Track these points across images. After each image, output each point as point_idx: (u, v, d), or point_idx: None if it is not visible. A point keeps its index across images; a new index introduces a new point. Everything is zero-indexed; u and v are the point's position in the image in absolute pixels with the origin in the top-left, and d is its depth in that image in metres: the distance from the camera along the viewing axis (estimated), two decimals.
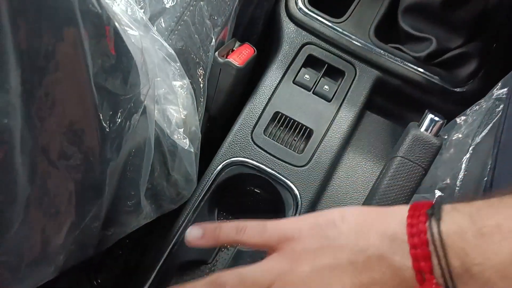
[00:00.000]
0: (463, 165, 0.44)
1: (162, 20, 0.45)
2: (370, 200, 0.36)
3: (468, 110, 0.47)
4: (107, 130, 0.29)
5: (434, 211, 0.26)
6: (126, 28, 0.33)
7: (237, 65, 0.47)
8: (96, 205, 0.33)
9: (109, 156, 0.31)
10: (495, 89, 0.46)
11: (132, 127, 0.36)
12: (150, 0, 0.48)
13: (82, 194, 0.30)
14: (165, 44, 0.45)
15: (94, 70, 0.25)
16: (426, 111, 0.36)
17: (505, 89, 0.45)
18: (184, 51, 0.46)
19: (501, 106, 0.45)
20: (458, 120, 0.48)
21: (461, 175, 0.43)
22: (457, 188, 0.43)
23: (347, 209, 0.31)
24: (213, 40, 0.47)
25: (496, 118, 0.44)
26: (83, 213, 0.32)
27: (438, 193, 0.44)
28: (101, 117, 0.28)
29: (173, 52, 0.45)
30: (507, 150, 0.37)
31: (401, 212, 0.28)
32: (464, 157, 0.44)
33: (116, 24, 0.30)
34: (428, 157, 0.34)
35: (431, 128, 0.35)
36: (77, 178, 0.28)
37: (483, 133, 0.44)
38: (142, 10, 0.50)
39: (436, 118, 0.35)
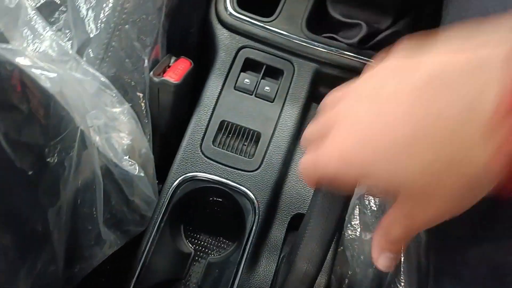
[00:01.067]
0: None
1: (90, 50, 0.45)
2: (315, 196, 0.37)
3: None
4: (35, 181, 0.29)
5: None
6: (42, 72, 0.33)
7: (174, 82, 0.47)
8: (45, 252, 0.33)
9: (46, 203, 0.31)
10: None
11: (69, 168, 0.36)
12: (75, 31, 0.47)
13: (23, 247, 0.30)
14: (97, 73, 0.44)
15: (3, 128, 0.25)
16: None
17: None
18: (118, 77, 0.45)
19: None
20: None
21: None
22: None
23: None
24: (146, 61, 0.47)
25: None
26: (32, 263, 0.32)
27: None
28: (26, 171, 0.28)
29: (106, 80, 0.45)
30: None
31: None
32: None
33: (28, 71, 0.30)
34: None
35: None
36: (12, 235, 0.28)
37: None
38: (70, 42, 0.49)
39: None
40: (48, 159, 0.31)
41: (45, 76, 0.33)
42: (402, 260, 0.41)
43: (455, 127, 0.22)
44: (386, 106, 0.25)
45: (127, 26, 0.45)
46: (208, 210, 0.52)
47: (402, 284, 0.41)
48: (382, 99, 0.25)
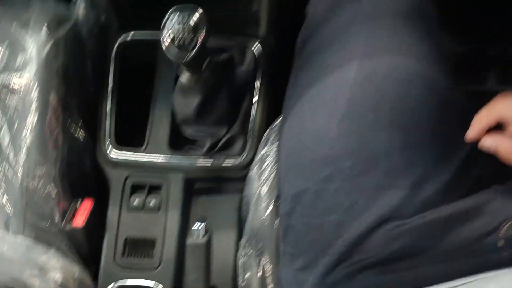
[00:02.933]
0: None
1: (10, 225, 0.62)
2: None
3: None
4: None
5: None
6: None
7: (79, 227, 0.65)
8: None
9: None
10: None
11: None
12: None
13: None
14: (22, 239, 0.62)
15: None
16: (195, 220, 0.56)
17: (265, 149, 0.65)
18: (40, 236, 0.63)
19: (266, 163, 0.67)
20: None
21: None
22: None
23: None
24: (56, 216, 0.64)
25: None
26: None
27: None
28: None
29: (31, 242, 0.62)
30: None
31: None
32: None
33: None
34: (204, 253, 0.55)
35: (199, 233, 0.55)
36: None
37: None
38: None
39: (197, 226, 0.55)
40: None
41: None
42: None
43: None
44: None
45: (34, 199, 0.62)
46: None
47: None
48: None
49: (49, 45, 0.60)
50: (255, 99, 0.74)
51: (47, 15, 0.63)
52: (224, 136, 0.71)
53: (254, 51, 0.76)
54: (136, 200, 0.70)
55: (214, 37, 0.73)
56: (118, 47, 0.75)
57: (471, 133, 0.42)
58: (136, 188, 0.71)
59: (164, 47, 0.53)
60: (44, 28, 0.61)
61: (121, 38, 0.75)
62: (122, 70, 0.75)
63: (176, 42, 0.52)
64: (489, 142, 0.41)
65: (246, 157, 0.72)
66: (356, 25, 0.48)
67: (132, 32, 0.75)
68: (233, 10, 0.78)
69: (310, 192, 0.44)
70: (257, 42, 0.76)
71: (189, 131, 0.72)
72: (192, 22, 0.52)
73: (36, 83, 0.59)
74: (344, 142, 0.42)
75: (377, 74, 0.43)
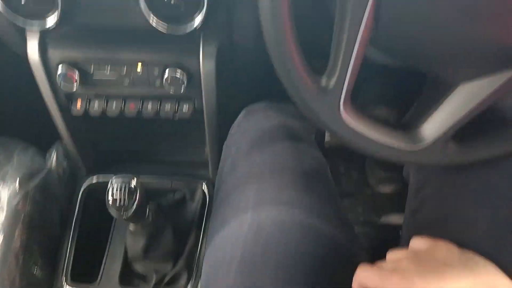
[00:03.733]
0: None
1: None
2: None
3: None
4: None
5: None
6: None
7: None
8: None
9: None
10: None
11: None
12: None
13: None
14: None
15: None
16: None
17: None
18: None
19: None
20: None
21: None
22: None
23: None
24: None
25: None
26: None
27: None
28: None
29: None
30: None
31: None
32: None
33: None
34: None
35: None
36: None
37: None
38: None
39: None
40: None
41: None
42: None
43: None
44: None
45: None
46: None
47: None
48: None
49: (18, 197, 0.71)
50: (201, 234, 0.83)
51: (22, 169, 0.75)
52: (170, 271, 0.79)
53: (203, 190, 0.88)
54: None
55: (169, 179, 0.87)
56: (84, 190, 0.86)
57: None
58: None
59: (108, 208, 0.64)
60: (17, 181, 0.73)
61: (87, 181, 0.87)
62: (86, 210, 0.86)
63: (117, 203, 0.63)
64: None
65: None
66: (248, 182, 0.59)
67: (96, 175, 0.87)
68: (186, 157, 0.93)
69: None
70: (205, 183, 0.88)
71: (138, 267, 0.79)
72: (129, 188, 0.63)
73: (2, 230, 0.69)
74: (240, 286, 0.50)
75: (264, 225, 0.53)
